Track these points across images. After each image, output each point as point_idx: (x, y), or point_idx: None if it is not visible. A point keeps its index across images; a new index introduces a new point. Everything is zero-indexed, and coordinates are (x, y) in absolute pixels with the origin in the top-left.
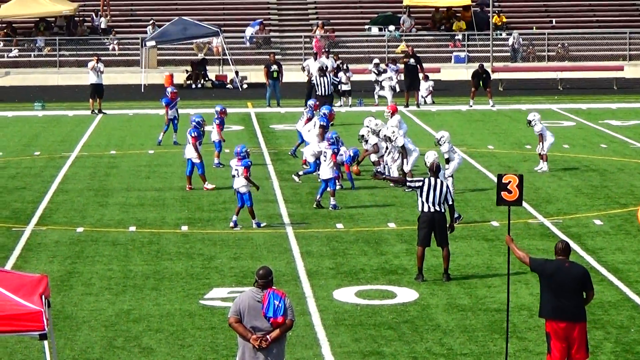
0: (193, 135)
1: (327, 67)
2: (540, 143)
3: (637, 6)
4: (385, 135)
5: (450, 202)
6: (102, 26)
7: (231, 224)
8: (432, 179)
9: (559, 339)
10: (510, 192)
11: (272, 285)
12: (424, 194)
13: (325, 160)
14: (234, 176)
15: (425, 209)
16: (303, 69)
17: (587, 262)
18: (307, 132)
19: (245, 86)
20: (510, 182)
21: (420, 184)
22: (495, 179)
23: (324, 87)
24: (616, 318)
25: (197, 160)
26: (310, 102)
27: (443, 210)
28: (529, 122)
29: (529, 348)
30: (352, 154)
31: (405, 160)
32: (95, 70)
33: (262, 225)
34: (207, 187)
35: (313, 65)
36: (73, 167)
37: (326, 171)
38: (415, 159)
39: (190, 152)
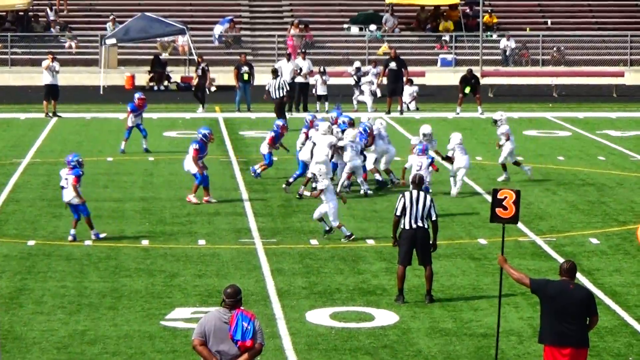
0: (195, 147)
1: (301, 69)
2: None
3: (639, 7)
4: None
5: (434, 218)
6: (52, 20)
7: (70, 238)
8: (414, 192)
9: None
10: (505, 208)
11: (241, 305)
12: (406, 209)
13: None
14: (62, 187)
15: (407, 225)
16: (275, 71)
17: (582, 284)
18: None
19: (213, 89)
20: (506, 197)
21: (402, 204)
22: (483, 193)
23: (275, 90)
24: (613, 345)
25: (195, 171)
26: (308, 116)
27: (426, 226)
28: (495, 121)
29: None
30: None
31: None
32: (50, 69)
33: (101, 236)
34: (190, 199)
35: (286, 67)
36: (25, 174)
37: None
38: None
39: (188, 165)
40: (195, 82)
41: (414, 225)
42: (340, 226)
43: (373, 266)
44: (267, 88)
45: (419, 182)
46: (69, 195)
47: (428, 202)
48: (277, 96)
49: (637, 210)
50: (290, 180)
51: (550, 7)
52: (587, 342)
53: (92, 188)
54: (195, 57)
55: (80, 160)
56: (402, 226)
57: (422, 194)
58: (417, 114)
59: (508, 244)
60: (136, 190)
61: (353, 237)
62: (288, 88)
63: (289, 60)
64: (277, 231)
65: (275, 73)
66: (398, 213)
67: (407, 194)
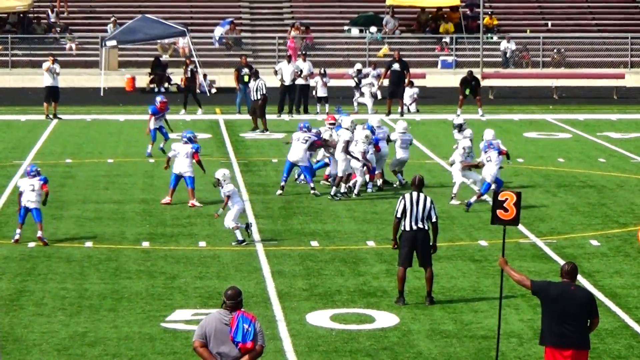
0: (197, 150)
1: (301, 71)
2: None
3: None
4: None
5: (435, 219)
6: (52, 22)
7: (17, 237)
8: (414, 194)
9: None
10: (506, 210)
11: (242, 307)
12: (407, 211)
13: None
14: (21, 193)
15: (407, 227)
16: (276, 72)
17: (583, 286)
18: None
19: (213, 91)
20: (507, 199)
21: (402, 206)
22: (483, 195)
23: (253, 92)
24: (613, 347)
25: (191, 175)
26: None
27: (427, 228)
28: (460, 125)
29: None
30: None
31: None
32: (51, 71)
33: (45, 240)
34: (194, 204)
35: (286, 69)
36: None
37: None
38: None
39: (183, 167)
40: (182, 84)
41: (414, 227)
42: (236, 228)
43: (373, 268)
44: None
45: (418, 184)
46: (29, 197)
47: (428, 204)
48: (255, 98)
49: (638, 212)
50: (282, 183)
51: (551, 9)
52: (588, 344)
53: (93, 190)
54: (195, 59)
55: (39, 169)
56: (402, 228)
57: (422, 195)
58: (417, 116)
59: (508, 246)
60: (137, 192)
61: (245, 243)
62: (265, 91)
63: (289, 62)
64: (278, 233)
65: (256, 75)
66: (399, 215)
67: (407, 195)
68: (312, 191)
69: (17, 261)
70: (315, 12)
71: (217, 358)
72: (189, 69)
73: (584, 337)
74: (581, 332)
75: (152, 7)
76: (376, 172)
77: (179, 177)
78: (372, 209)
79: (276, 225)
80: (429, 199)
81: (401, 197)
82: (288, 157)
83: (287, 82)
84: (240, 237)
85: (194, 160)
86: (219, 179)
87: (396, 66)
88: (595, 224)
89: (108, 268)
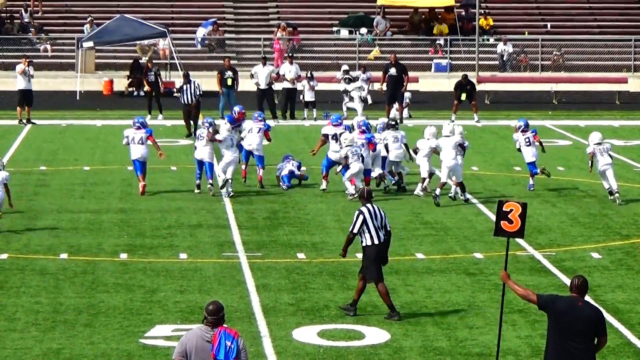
0: (151, 134)
1: (278, 73)
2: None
3: None
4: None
5: (389, 228)
6: (26, 22)
7: None
8: (370, 206)
9: None
10: (511, 222)
11: (224, 322)
12: (369, 224)
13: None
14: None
15: (376, 241)
16: (252, 76)
17: (591, 302)
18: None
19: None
20: (512, 210)
21: (361, 219)
22: (479, 204)
23: (187, 96)
24: None
25: (144, 158)
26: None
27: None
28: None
29: None
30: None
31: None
32: (25, 74)
33: None
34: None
35: (261, 72)
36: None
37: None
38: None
39: (140, 151)
40: (147, 88)
41: (376, 241)
42: None
43: None
44: (176, 91)
45: (367, 197)
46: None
47: (383, 213)
48: (188, 102)
49: None
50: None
51: (550, 10)
52: None
53: (68, 199)
54: (177, 62)
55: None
56: (367, 242)
57: (375, 206)
58: (409, 122)
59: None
60: (114, 201)
61: None
62: (199, 93)
63: (264, 64)
64: (263, 244)
65: (187, 78)
66: (355, 230)
67: (364, 209)
68: (209, 186)
69: None
70: (302, 13)
71: None
72: (152, 73)
73: (589, 355)
74: (587, 349)
75: (131, 6)
76: (371, 174)
77: (139, 162)
78: None
79: (261, 236)
80: (381, 209)
81: (358, 212)
82: (195, 154)
83: (263, 86)
84: None
85: (149, 143)
86: None
87: (393, 70)
88: (597, 236)
89: (84, 281)
